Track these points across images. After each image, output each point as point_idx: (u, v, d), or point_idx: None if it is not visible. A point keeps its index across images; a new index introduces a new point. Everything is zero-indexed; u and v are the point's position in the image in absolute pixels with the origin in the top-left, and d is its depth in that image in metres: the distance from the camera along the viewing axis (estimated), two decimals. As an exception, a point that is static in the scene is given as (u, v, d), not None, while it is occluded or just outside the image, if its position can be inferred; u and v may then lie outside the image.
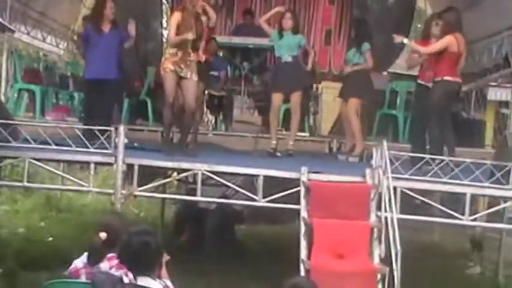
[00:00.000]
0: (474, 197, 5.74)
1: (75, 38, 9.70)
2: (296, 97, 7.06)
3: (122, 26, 6.93)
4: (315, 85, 9.21)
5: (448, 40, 6.17)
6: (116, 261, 3.29)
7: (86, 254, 3.54)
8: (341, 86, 7.72)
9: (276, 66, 7.33)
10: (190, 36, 6.33)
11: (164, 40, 11.72)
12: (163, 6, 12.10)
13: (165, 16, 12.29)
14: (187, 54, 6.35)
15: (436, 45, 6.28)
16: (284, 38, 7.06)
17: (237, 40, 9.27)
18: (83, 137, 5.71)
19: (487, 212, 5.70)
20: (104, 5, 6.80)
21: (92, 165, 5.63)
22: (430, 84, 6.52)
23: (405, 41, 6.64)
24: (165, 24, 12.16)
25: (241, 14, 10.51)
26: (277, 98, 7.09)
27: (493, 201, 5.82)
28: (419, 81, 6.91)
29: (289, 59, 7.01)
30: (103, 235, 3.46)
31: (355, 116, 7.27)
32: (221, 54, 9.41)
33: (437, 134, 6.22)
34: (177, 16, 6.45)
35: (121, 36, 6.84)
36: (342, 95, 7.56)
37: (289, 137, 7.22)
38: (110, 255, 3.42)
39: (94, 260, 3.47)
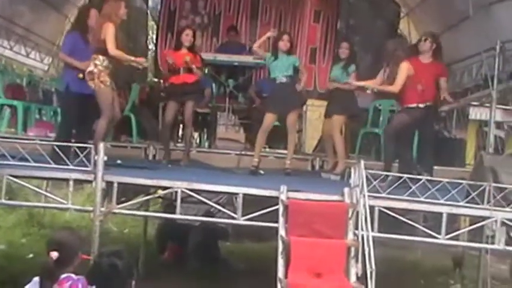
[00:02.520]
0: (454, 216, 5.78)
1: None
2: (292, 117, 7.12)
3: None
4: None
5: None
6: (68, 284, 3.15)
7: (36, 279, 3.26)
8: (327, 104, 7.77)
9: (271, 87, 7.33)
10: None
11: (151, 56, 11.79)
12: (150, 22, 12.19)
13: (151, 32, 12.37)
14: None
15: (398, 81, 6.48)
16: (279, 59, 7.08)
17: (222, 58, 9.31)
18: (62, 154, 5.68)
19: (463, 231, 5.75)
20: (87, 15, 6.50)
21: (71, 182, 5.62)
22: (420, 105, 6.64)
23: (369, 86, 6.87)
24: (153, 40, 12.25)
25: (226, 31, 10.60)
26: (270, 118, 7.09)
27: (474, 220, 5.84)
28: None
29: (284, 80, 7.05)
30: (54, 255, 3.18)
31: (339, 133, 7.33)
32: (206, 71, 9.45)
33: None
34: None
35: None
36: (326, 112, 7.61)
37: (287, 156, 7.27)
38: (62, 276, 3.19)
39: (47, 284, 3.19)
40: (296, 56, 7.44)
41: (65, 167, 5.61)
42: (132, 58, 6.33)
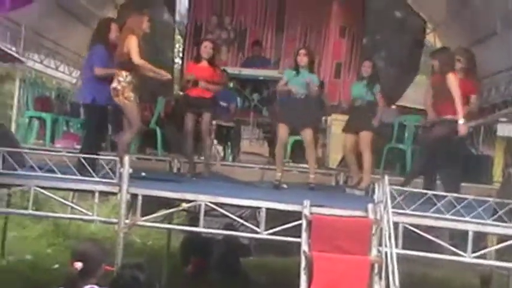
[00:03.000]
0: (481, 234, 5.69)
1: None
2: (308, 133, 7.07)
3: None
4: (323, 117, 9.27)
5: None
6: None
7: None
8: (348, 119, 7.71)
9: (287, 98, 7.28)
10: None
11: (177, 69, 11.90)
12: (177, 36, 12.33)
13: (177, 46, 12.51)
14: None
15: (457, 97, 6.19)
16: (300, 75, 7.05)
17: (247, 72, 9.38)
18: (88, 166, 5.75)
19: (490, 249, 5.64)
20: (108, 28, 6.45)
21: (97, 194, 5.69)
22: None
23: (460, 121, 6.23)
24: (179, 54, 12.39)
25: (251, 45, 10.67)
26: (284, 130, 7.09)
27: (502, 238, 5.74)
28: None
29: (302, 96, 7.04)
30: (79, 265, 3.25)
31: (369, 149, 7.25)
32: (231, 85, 9.52)
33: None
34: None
35: None
36: (349, 128, 7.54)
37: (309, 171, 7.24)
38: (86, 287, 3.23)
39: None
40: (315, 73, 7.41)
41: (91, 178, 5.68)
42: (155, 69, 6.38)
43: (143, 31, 6.30)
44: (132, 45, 6.12)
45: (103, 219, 5.89)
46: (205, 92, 7.31)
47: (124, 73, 6.18)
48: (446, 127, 6.28)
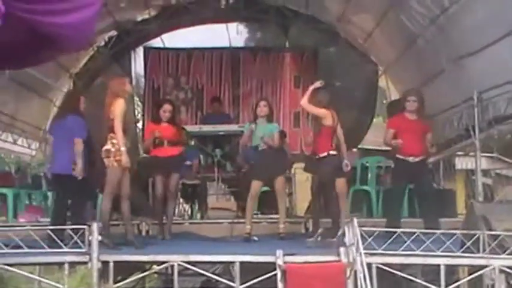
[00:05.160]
0: (452, 267, 5.78)
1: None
2: (280, 182, 7.16)
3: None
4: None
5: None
6: None
7: None
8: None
9: (255, 155, 7.39)
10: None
11: (139, 133, 11.89)
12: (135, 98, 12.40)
13: (137, 109, 12.55)
14: None
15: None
16: (258, 127, 7.15)
17: (207, 128, 9.45)
18: (55, 237, 5.66)
19: (462, 281, 5.72)
20: (78, 100, 6.72)
21: (66, 266, 5.58)
22: (409, 158, 6.76)
23: None
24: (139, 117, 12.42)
25: (209, 102, 10.81)
26: (257, 185, 7.14)
27: (473, 269, 5.84)
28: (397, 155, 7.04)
29: (265, 147, 7.11)
30: None
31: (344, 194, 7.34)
32: (192, 143, 9.55)
33: None
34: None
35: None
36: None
37: (280, 220, 7.27)
38: None
39: None
40: (275, 123, 7.51)
41: (59, 250, 5.58)
42: (122, 146, 6.22)
43: (128, 93, 6.40)
44: (118, 111, 6.16)
45: (75, 291, 5.76)
46: (172, 150, 7.32)
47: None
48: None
